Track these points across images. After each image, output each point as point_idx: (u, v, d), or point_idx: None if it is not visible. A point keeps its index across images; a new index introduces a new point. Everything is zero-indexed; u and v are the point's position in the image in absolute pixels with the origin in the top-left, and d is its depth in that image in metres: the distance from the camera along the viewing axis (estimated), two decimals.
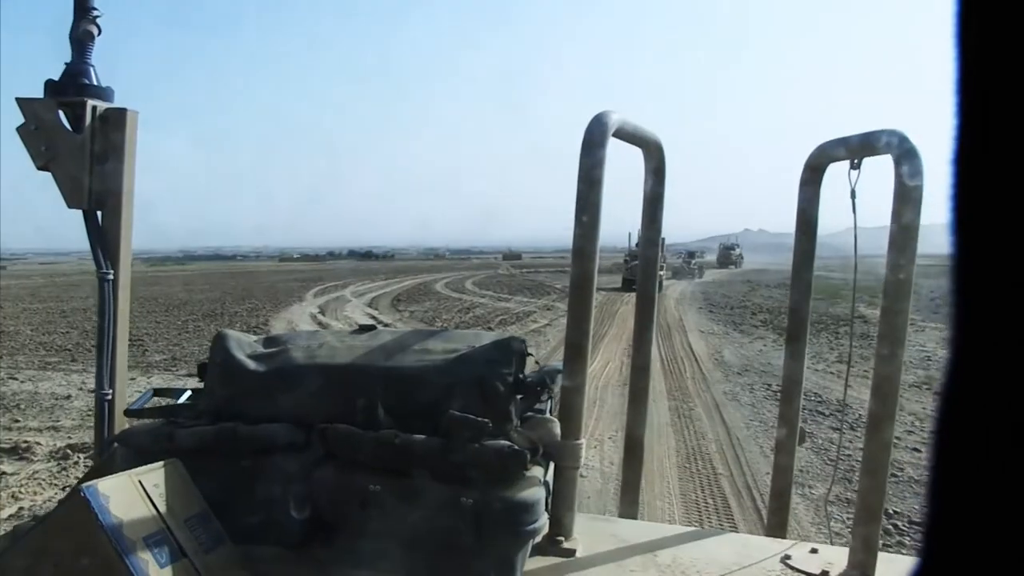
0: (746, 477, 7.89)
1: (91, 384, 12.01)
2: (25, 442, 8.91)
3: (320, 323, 22.90)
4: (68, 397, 11.81)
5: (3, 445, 8.95)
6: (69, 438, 9.18)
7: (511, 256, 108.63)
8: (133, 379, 12.06)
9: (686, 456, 8.75)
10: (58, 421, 10.19)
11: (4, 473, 8.08)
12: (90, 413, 8.91)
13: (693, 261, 52.55)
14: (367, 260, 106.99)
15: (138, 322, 21.04)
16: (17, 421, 10.18)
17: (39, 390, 12.29)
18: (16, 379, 13.38)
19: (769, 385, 12.64)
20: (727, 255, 74.33)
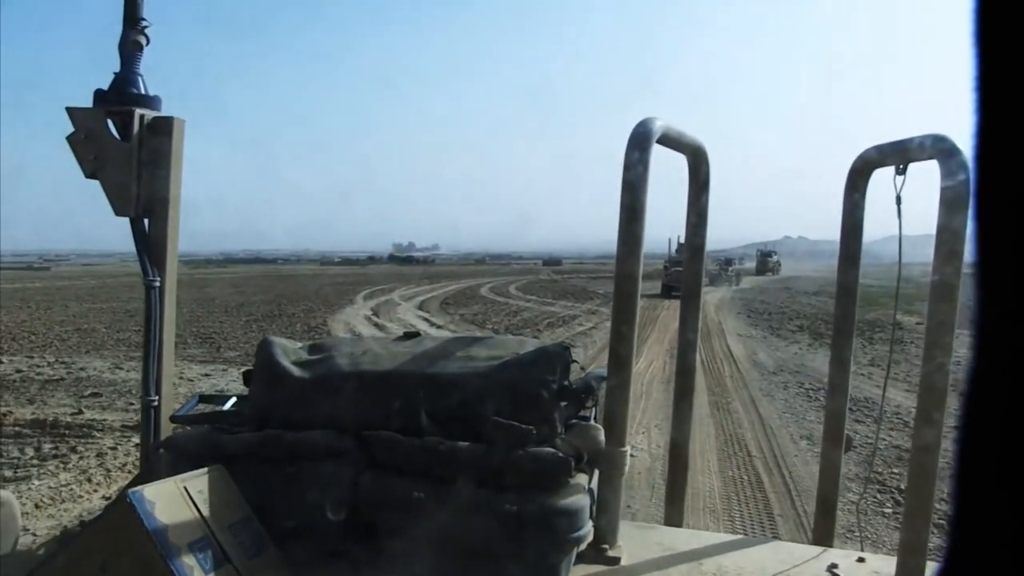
0: (777, 459, 8.69)
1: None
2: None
3: (376, 324, 23.49)
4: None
5: (108, 417, 10.12)
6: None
7: (551, 262, 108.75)
8: (216, 371, 13.93)
9: (724, 441, 9.56)
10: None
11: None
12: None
13: (731, 268, 52.21)
14: (407, 264, 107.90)
15: (203, 321, 22.56)
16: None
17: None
18: (121, 368, 14.37)
19: (802, 384, 13.29)
20: (765, 262, 73.96)
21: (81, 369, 14.08)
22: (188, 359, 15.05)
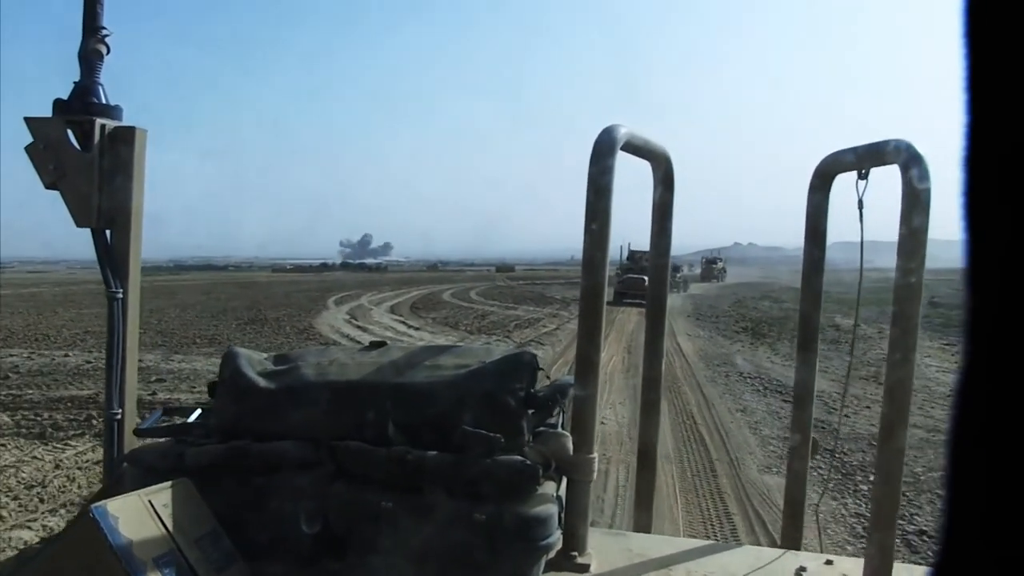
0: (716, 424, 11.39)
1: (169, 367, 15.07)
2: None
3: (358, 327, 24.87)
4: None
5: (180, 396, 12.03)
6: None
7: (504, 269, 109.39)
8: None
9: (676, 413, 12.00)
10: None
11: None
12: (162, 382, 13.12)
13: (678, 275, 52.81)
14: (360, 271, 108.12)
15: (198, 325, 24.49)
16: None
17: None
18: (172, 360, 16.58)
19: (741, 373, 16.41)
20: (710, 269, 75.40)
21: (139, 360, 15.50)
22: (206, 355, 17.31)
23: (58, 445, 9.21)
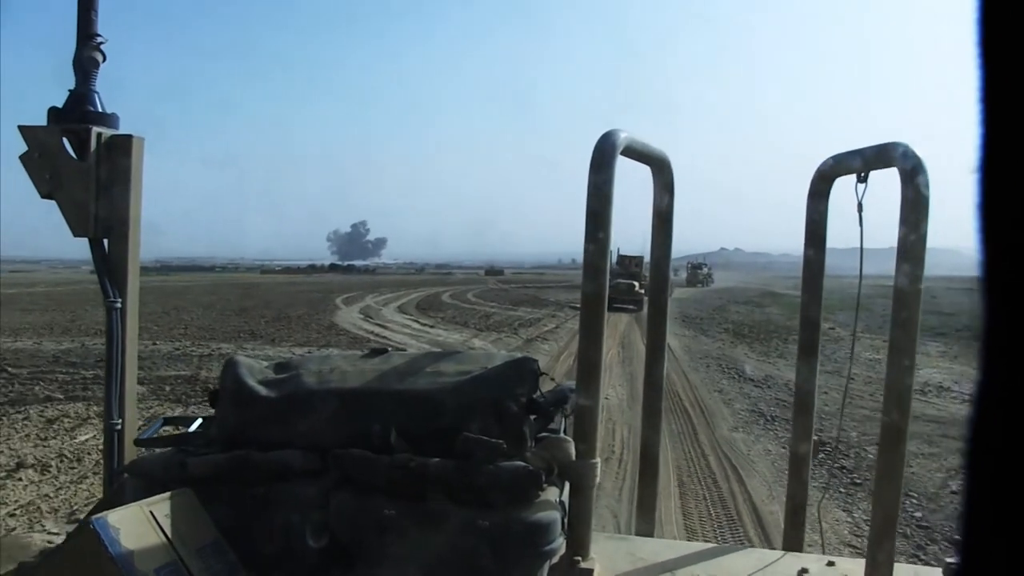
0: (698, 400, 13.92)
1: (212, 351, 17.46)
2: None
3: (378, 323, 27.16)
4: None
5: None
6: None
7: (493, 272, 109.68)
8: (286, 352, 18.12)
9: (664, 392, 12.55)
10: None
11: None
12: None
13: None
14: (350, 273, 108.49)
15: (231, 321, 26.78)
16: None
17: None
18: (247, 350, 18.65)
19: (720, 364, 18.82)
20: (695, 274, 75.68)
21: (218, 349, 19.16)
22: (269, 344, 19.95)
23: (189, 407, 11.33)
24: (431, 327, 25.91)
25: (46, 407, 11.17)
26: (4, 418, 10.42)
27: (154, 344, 18.89)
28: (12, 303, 32.30)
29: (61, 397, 11.87)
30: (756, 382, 16.23)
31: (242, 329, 23.22)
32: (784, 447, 9.88)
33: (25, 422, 10.20)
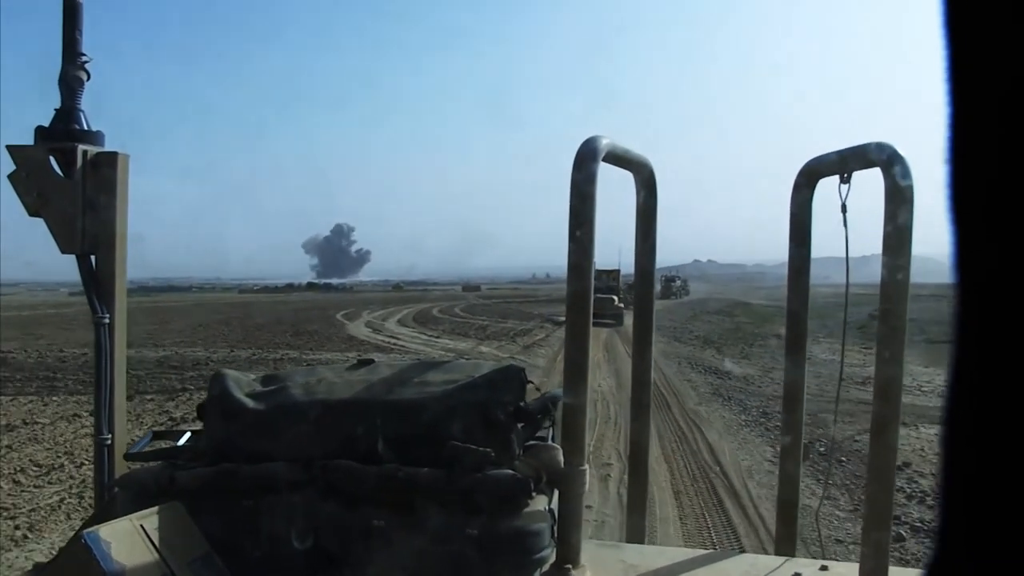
0: (672, 388, 18.36)
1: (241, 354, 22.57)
2: None
3: (389, 335, 30.87)
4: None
5: None
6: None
7: (470, 288, 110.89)
8: (330, 357, 22.07)
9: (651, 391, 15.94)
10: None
11: None
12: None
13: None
14: (329, 292, 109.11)
15: (257, 334, 30.67)
16: None
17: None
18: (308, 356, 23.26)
19: (691, 363, 23.56)
20: (668, 287, 76.16)
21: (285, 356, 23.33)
22: (318, 351, 23.81)
23: None
24: (436, 338, 29.43)
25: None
26: None
27: (232, 351, 23.35)
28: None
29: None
30: (720, 374, 21.43)
31: (276, 341, 26.40)
32: (734, 415, 15.47)
33: None
